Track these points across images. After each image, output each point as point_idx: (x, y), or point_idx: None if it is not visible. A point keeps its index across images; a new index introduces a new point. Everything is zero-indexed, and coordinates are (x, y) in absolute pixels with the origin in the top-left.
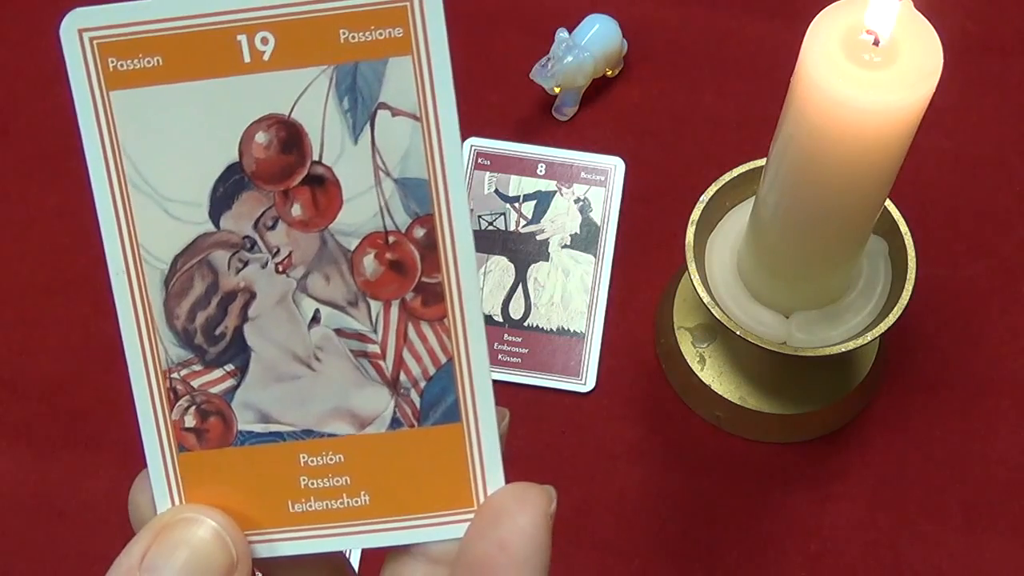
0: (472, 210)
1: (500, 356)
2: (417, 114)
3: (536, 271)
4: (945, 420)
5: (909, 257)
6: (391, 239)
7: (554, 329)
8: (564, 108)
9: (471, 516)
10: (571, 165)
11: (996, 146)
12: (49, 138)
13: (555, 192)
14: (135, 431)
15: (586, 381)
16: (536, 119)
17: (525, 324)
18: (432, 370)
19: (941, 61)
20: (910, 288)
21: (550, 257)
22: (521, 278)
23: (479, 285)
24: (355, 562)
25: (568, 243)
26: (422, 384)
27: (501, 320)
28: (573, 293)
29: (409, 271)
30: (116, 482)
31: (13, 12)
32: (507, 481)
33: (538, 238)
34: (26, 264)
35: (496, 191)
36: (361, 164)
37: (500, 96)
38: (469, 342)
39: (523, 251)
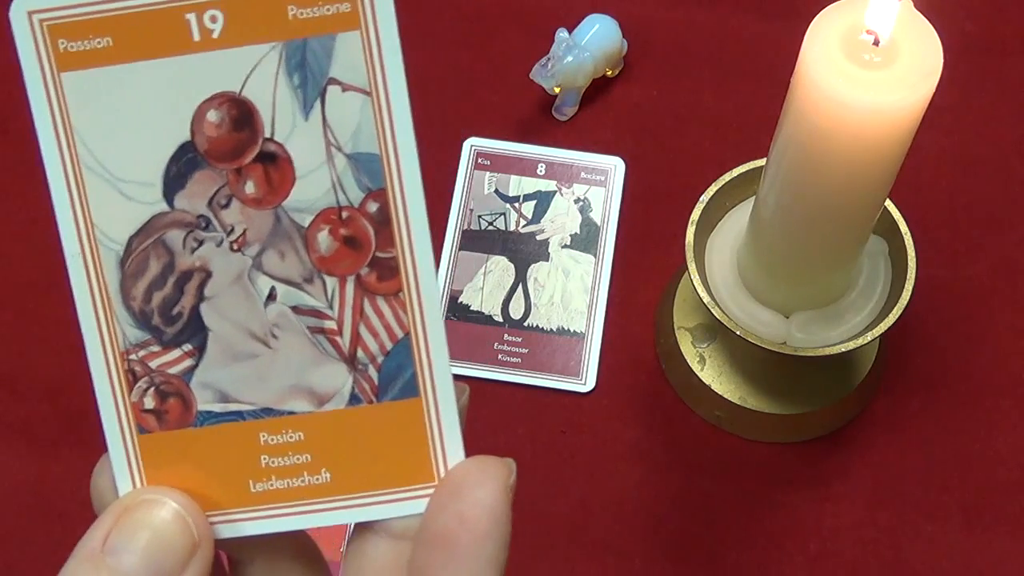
0: (472, 210)
1: (500, 356)
2: (367, 89)
3: (536, 271)
4: (945, 420)
5: (909, 257)
6: (344, 215)
7: (554, 329)
8: (564, 108)
9: (431, 491)
10: (571, 165)
11: (996, 146)
12: None
13: (555, 192)
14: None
15: (586, 381)
16: (536, 119)
17: (525, 324)
18: (389, 345)
19: (941, 61)
20: (910, 288)
21: (550, 257)
22: (521, 278)
23: (433, 259)
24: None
25: (568, 243)
26: (380, 359)
27: (501, 320)
28: (573, 293)
29: (363, 246)
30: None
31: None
32: (467, 456)
33: (538, 238)
34: (26, 264)
35: (496, 191)
36: (313, 140)
37: (500, 96)
38: (425, 316)
39: (523, 251)
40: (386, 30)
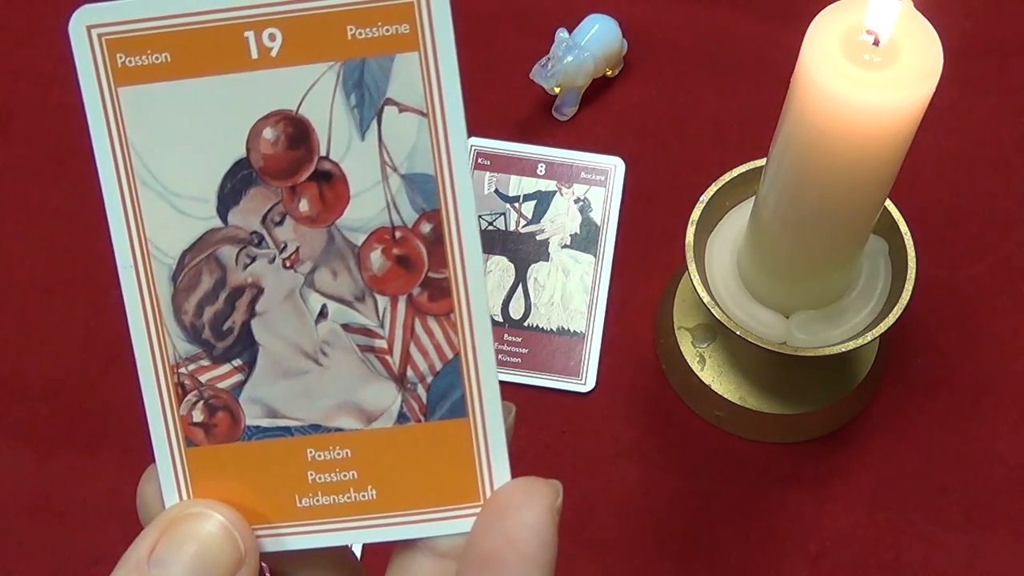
0: None
1: (500, 356)
2: (424, 110)
3: (536, 271)
4: (945, 420)
5: (909, 257)
6: (398, 234)
7: (554, 329)
8: (564, 108)
9: (477, 511)
10: (571, 165)
11: (996, 146)
12: (49, 137)
13: (555, 192)
14: (136, 430)
15: (586, 381)
16: (536, 119)
17: (525, 324)
18: (439, 365)
19: (941, 61)
20: (910, 288)
21: (550, 257)
22: (521, 278)
23: (485, 280)
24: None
25: (568, 243)
26: (429, 379)
27: (501, 320)
28: (573, 293)
29: (416, 266)
30: (116, 482)
31: (12, 11)
32: (513, 476)
33: (538, 238)
34: (26, 264)
35: (496, 191)
36: (368, 160)
37: (500, 96)
38: (476, 337)
39: (523, 251)
40: (444, 52)
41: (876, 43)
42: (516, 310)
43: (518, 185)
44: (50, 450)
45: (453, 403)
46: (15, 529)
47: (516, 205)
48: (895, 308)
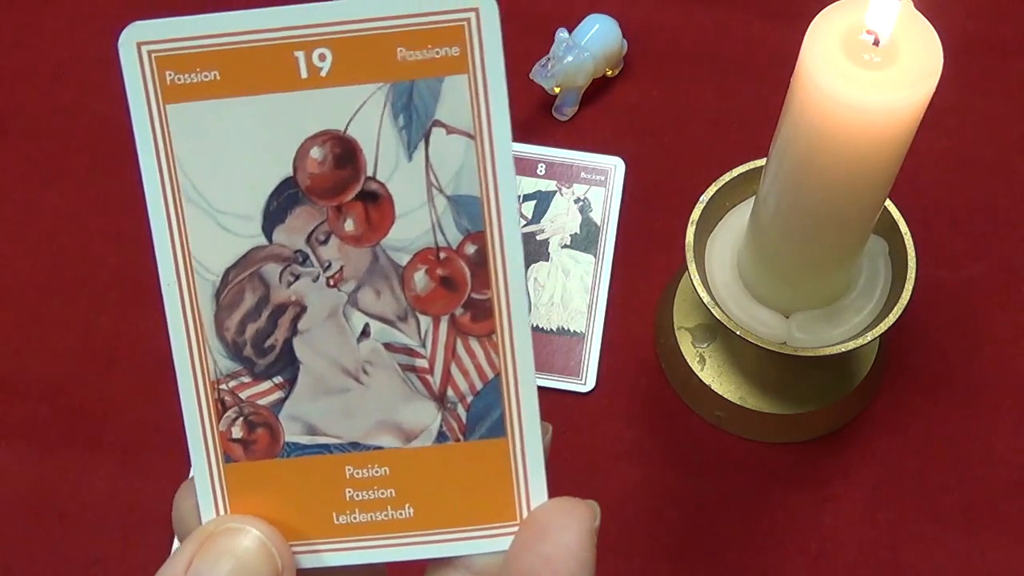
0: None
1: None
2: (471, 132)
3: (536, 271)
4: (945, 420)
5: (909, 257)
6: (442, 255)
7: (554, 329)
8: (564, 108)
9: (515, 530)
10: (571, 165)
11: (996, 146)
12: (49, 138)
13: (555, 192)
14: (137, 431)
15: (586, 381)
16: (536, 119)
17: None
18: (479, 385)
19: (941, 61)
20: (910, 288)
21: (550, 257)
22: None
23: (528, 302)
24: None
25: (568, 243)
26: (469, 399)
27: None
28: (573, 293)
29: (459, 287)
30: (116, 482)
31: (12, 12)
32: (550, 496)
33: (538, 238)
34: (26, 264)
35: None
36: (414, 181)
37: None
38: (516, 358)
39: (523, 251)
40: (494, 75)
41: (876, 43)
42: None
43: (518, 185)
44: (50, 450)
45: (492, 423)
46: (15, 529)
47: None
48: (895, 308)
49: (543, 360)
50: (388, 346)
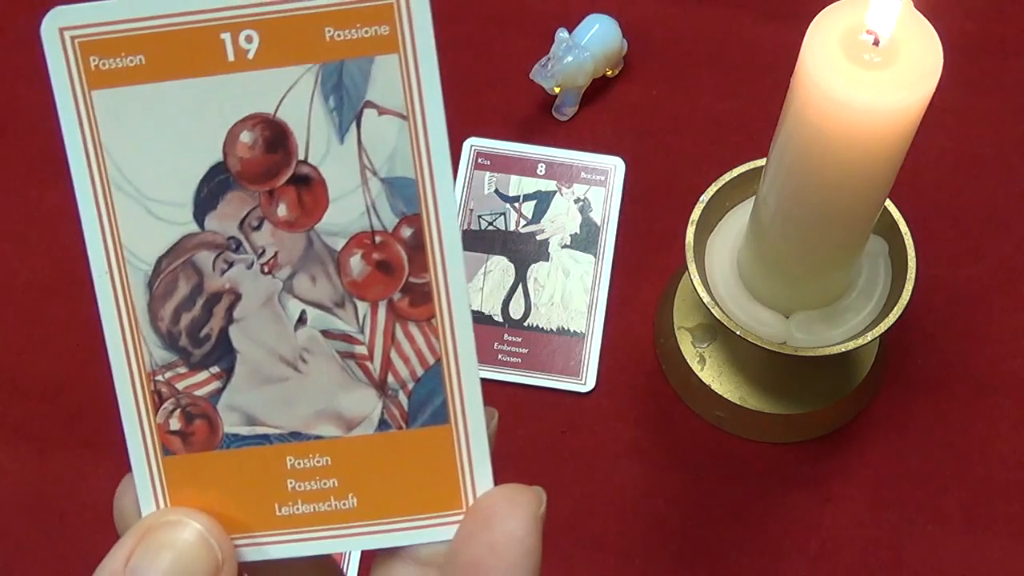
0: (472, 210)
1: (500, 356)
2: (404, 113)
3: (536, 271)
4: (945, 420)
5: (909, 257)
6: (378, 239)
7: (554, 329)
8: (564, 108)
9: (460, 518)
10: (571, 165)
11: (996, 146)
12: (49, 138)
13: (555, 192)
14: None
15: (586, 381)
16: (536, 119)
17: (525, 324)
18: (420, 371)
19: (941, 61)
20: (910, 288)
21: (550, 257)
22: (521, 278)
23: (467, 285)
24: (354, 565)
25: (568, 243)
26: (410, 385)
27: (501, 320)
28: (573, 293)
29: (396, 271)
30: (116, 482)
31: (12, 11)
32: (496, 482)
33: (538, 238)
34: (26, 264)
35: (496, 191)
36: (347, 163)
37: (500, 96)
38: (457, 343)
39: (523, 251)
40: (424, 54)
41: (876, 43)
42: (516, 310)
43: (518, 185)
44: (50, 450)
45: (435, 410)
46: (15, 529)
47: (516, 205)
48: (895, 308)
49: (543, 360)
50: (326, 333)
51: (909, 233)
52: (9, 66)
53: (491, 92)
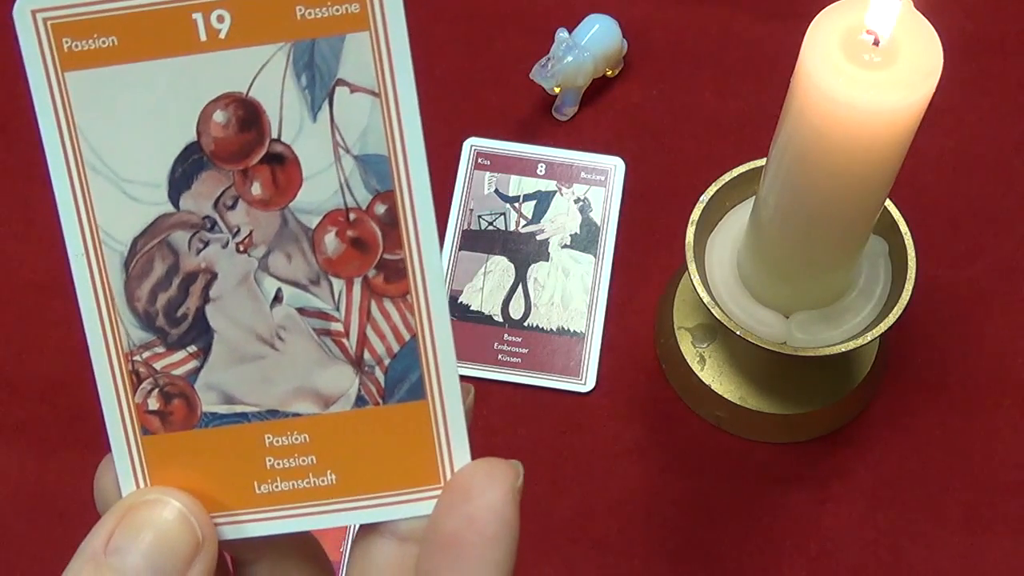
0: (472, 210)
1: (500, 356)
2: (376, 90)
3: (536, 271)
4: (945, 420)
5: (909, 257)
6: (352, 216)
7: (554, 329)
8: (564, 108)
9: (438, 493)
10: (571, 165)
11: (996, 146)
12: None
13: (555, 192)
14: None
15: (586, 381)
16: (536, 119)
17: (525, 324)
18: (396, 347)
19: (941, 61)
20: (910, 288)
21: (550, 257)
22: (521, 278)
23: (441, 261)
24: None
25: (568, 243)
26: (386, 361)
27: (501, 320)
28: (573, 293)
29: (371, 248)
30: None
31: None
32: (473, 458)
33: (538, 238)
34: (26, 264)
35: (496, 191)
36: (320, 141)
37: (500, 96)
38: (433, 319)
39: (523, 251)
40: (395, 31)
41: (876, 43)
42: (516, 310)
43: (518, 185)
44: (50, 450)
45: (411, 385)
46: (15, 529)
47: (516, 205)
48: (895, 308)
49: (543, 360)
50: (302, 311)
51: (909, 233)
52: (10, 66)
53: (491, 92)
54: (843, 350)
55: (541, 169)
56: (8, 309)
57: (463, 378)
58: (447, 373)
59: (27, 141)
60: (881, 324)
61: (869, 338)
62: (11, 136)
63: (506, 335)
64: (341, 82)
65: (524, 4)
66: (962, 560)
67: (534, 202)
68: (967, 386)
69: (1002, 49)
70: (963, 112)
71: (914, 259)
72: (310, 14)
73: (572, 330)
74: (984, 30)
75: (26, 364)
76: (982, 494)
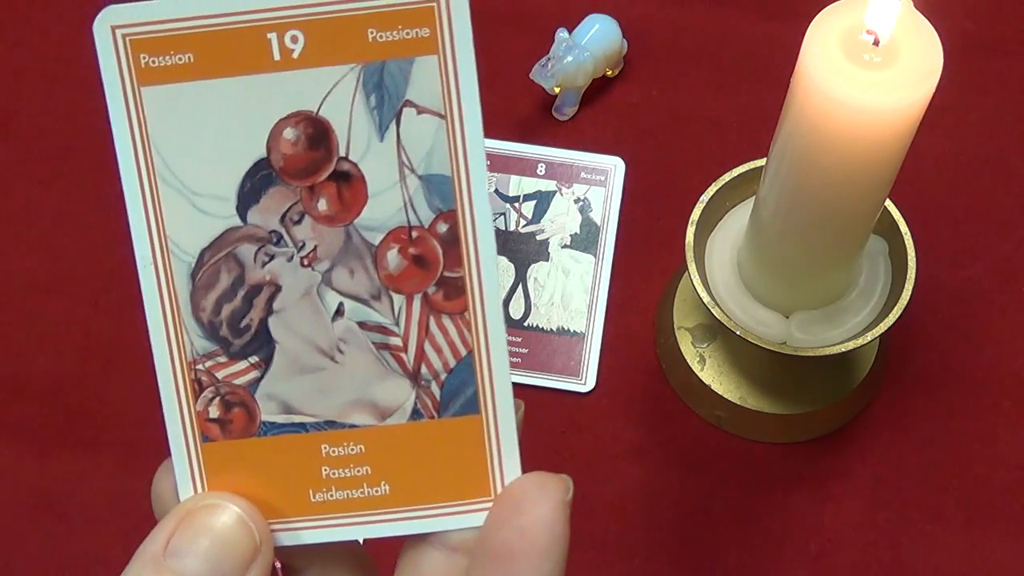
0: None
1: None
2: (442, 112)
3: (536, 271)
4: (945, 420)
5: (909, 257)
6: (414, 234)
7: (554, 329)
8: (564, 108)
9: (489, 505)
10: (571, 165)
11: (996, 146)
12: (50, 137)
13: (555, 192)
14: (137, 430)
15: (586, 381)
16: (536, 119)
17: (525, 324)
18: (452, 363)
19: (941, 61)
20: (910, 288)
21: (550, 257)
22: (521, 278)
23: (499, 279)
24: None
25: (568, 243)
26: (443, 376)
27: None
28: (573, 293)
29: (432, 265)
30: (116, 482)
31: (13, 10)
32: (523, 471)
33: (538, 238)
34: (26, 264)
35: (496, 191)
36: (386, 161)
37: (500, 96)
38: (489, 335)
39: (523, 251)
40: (463, 56)
41: (876, 43)
42: (516, 310)
43: (518, 185)
44: (50, 450)
45: (466, 400)
46: (15, 529)
47: (516, 205)
48: (895, 308)
49: (543, 360)
50: (362, 324)
51: (909, 233)
52: (11, 66)
53: (491, 92)
54: (843, 350)
55: (541, 169)
56: (8, 309)
57: None
58: (501, 389)
59: (27, 142)
60: (881, 324)
61: (869, 338)
62: (11, 136)
63: (506, 335)
64: (409, 103)
65: (524, 4)
66: (962, 560)
67: (534, 202)
68: (967, 386)
69: (1002, 49)
70: (963, 112)
71: (914, 259)
72: (381, 37)
73: (572, 330)
74: (984, 30)
75: (26, 364)
76: (982, 494)
